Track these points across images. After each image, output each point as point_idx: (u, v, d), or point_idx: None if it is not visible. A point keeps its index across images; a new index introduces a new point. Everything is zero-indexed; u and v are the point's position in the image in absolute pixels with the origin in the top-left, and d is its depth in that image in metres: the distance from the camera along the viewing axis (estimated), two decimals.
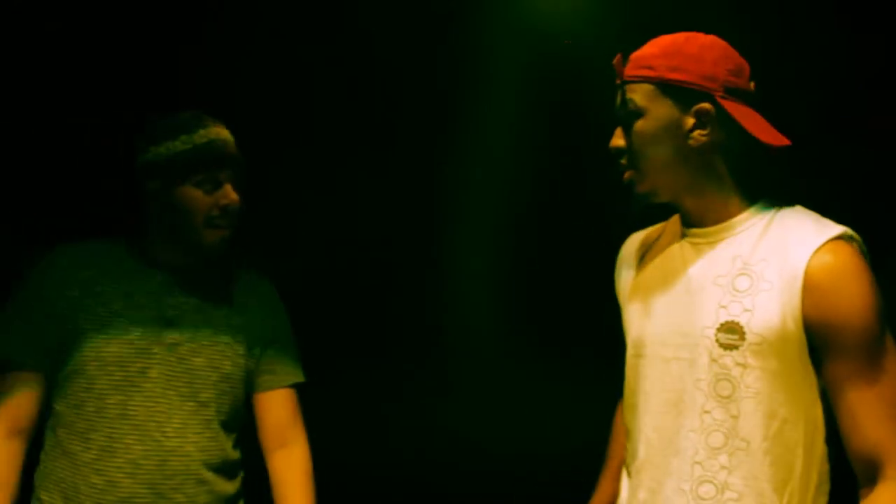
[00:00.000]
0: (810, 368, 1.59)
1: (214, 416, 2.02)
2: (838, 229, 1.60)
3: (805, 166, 2.17)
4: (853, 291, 1.54)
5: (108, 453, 1.92)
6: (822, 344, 1.57)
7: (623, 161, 1.71)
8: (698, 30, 1.72)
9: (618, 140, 1.71)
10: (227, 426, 2.05)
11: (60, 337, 1.95)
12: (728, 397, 1.61)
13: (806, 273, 1.56)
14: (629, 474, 1.77)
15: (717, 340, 1.62)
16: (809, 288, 1.56)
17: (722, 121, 1.64)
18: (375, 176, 2.75)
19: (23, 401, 1.94)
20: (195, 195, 1.97)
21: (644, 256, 1.86)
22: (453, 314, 2.65)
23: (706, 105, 1.63)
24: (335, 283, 2.70)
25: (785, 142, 1.63)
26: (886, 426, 1.53)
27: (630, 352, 1.81)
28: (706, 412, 1.63)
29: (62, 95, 2.56)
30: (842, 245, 1.58)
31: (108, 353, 1.94)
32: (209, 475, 2.00)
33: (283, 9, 2.59)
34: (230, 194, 2.00)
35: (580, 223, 2.39)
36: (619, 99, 1.70)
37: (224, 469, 2.04)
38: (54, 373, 1.96)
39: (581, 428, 2.12)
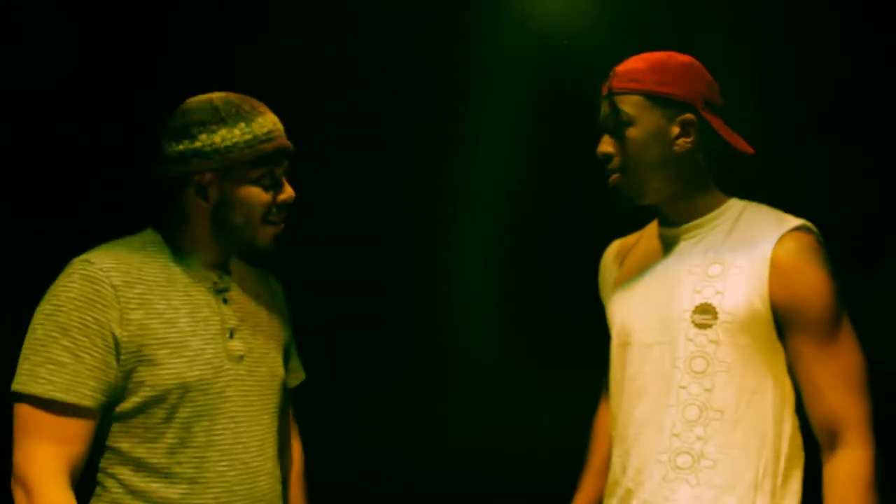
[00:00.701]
0: (778, 345, 1.78)
1: (276, 424, 1.91)
2: (798, 221, 1.80)
3: (807, 165, 2.18)
4: (814, 274, 1.74)
5: (201, 485, 1.73)
6: (786, 321, 1.76)
7: (611, 166, 1.88)
8: (699, 29, 1.77)
9: (606, 147, 1.88)
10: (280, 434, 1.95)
11: (126, 369, 1.69)
12: (702, 372, 1.78)
13: (772, 258, 1.75)
14: (619, 454, 1.91)
15: (692, 322, 1.80)
16: (775, 271, 1.75)
17: (702, 130, 1.84)
18: (376, 175, 2.75)
19: (82, 446, 1.67)
20: (254, 192, 1.78)
21: (625, 258, 2.04)
22: (453, 314, 2.64)
23: (690, 115, 1.83)
24: (335, 282, 2.69)
25: (750, 150, 1.85)
26: (843, 396, 1.72)
27: (615, 342, 1.97)
28: (682, 388, 1.80)
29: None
30: (802, 234, 1.78)
31: (191, 378, 1.72)
32: (280, 488, 1.91)
33: (283, 4, 2.59)
34: (288, 189, 1.83)
35: (582, 223, 2.39)
36: (606, 109, 1.88)
37: (281, 478, 1.94)
38: (113, 409, 1.71)
39: (581, 428, 2.12)
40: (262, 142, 1.76)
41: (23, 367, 1.66)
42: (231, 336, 1.80)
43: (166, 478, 1.71)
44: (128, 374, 1.68)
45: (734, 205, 1.89)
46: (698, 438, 1.76)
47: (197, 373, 1.73)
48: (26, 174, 2.51)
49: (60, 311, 1.67)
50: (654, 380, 1.83)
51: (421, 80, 2.65)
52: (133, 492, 1.70)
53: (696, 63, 1.88)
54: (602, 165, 1.89)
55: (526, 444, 1.98)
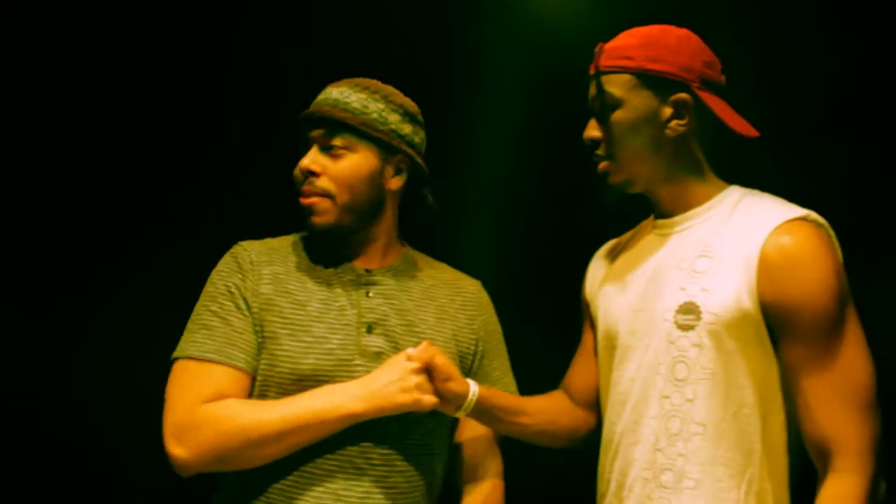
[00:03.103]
0: (770, 352, 1.56)
1: (421, 440, 1.71)
2: (800, 211, 1.58)
3: (810, 166, 2.17)
4: (808, 273, 1.51)
5: (306, 478, 1.62)
6: (777, 325, 1.54)
7: (599, 152, 1.71)
8: (700, 28, 1.72)
9: (593, 131, 1.71)
10: (437, 455, 1.76)
11: (258, 338, 1.68)
12: (683, 380, 1.58)
13: (762, 252, 1.54)
14: (603, 465, 1.75)
15: (675, 322, 1.60)
16: (765, 267, 1.53)
17: (698, 111, 1.65)
18: None
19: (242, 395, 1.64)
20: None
21: (617, 256, 1.86)
22: None
23: (684, 95, 1.64)
24: None
25: (755, 133, 1.65)
26: (839, 415, 1.48)
27: (601, 343, 1.80)
28: (665, 397, 1.61)
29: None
30: (802, 225, 1.55)
31: (304, 365, 1.65)
32: None
33: (284, 8, 2.59)
34: (304, 159, 1.76)
35: (582, 224, 2.38)
36: (594, 89, 1.70)
37: (426, 501, 1.73)
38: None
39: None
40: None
41: (184, 335, 1.70)
42: (369, 331, 1.70)
43: (272, 469, 1.62)
44: (259, 347, 1.67)
45: (732, 193, 1.68)
46: (680, 455, 1.57)
47: (312, 361, 1.65)
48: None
49: (211, 283, 1.74)
50: (637, 386, 1.65)
51: (421, 81, 2.65)
52: (245, 480, 1.64)
53: (694, 37, 1.69)
54: (589, 152, 1.72)
55: (525, 444, 1.97)
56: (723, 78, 1.71)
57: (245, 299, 1.69)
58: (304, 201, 1.73)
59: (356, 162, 1.72)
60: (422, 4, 2.54)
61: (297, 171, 1.74)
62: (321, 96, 1.78)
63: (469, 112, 2.60)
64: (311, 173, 1.72)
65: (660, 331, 1.63)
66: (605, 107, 1.68)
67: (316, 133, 1.74)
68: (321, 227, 1.72)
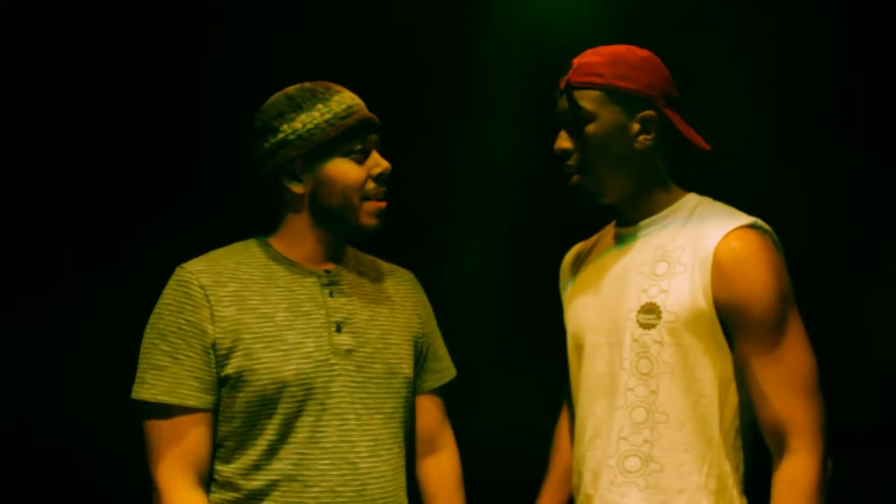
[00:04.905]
0: (725, 347, 1.70)
1: (400, 427, 1.81)
2: (748, 219, 1.72)
3: (808, 167, 2.17)
4: (755, 275, 1.66)
5: (300, 483, 1.68)
6: (730, 322, 1.69)
7: (570, 163, 1.81)
8: (700, 28, 1.73)
9: (564, 142, 1.80)
10: (407, 438, 1.86)
11: (222, 367, 1.68)
12: (647, 374, 1.72)
13: (714, 256, 1.68)
14: (576, 458, 1.87)
15: (637, 321, 1.74)
16: (717, 269, 1.67)
17: (661, 126, 1.77)
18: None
19: (198, 444, 1.68)
20: (347, 168, 1.74)
21: (583, 260, 1.99)
22: (453, 313, 2.63)
23: (650, 112, 1.77)
24: None
25: (707, 146, 1.77)
26: (789, 401, 1.64)
27: (570, 344, 1.93)
28: (629, 389, 1.74)
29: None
30: (749, 232, 1.70)
31: (287, 373, 1.68)
32: (403, 495, 1.81)
33: (282, 7, 2.58)
34: (382, 162, 1.77)
35: (581, 224, 2.38)
36: (564, 103, 1.79)
37: (405, 486, 1.84)
38: (219, 406, 1.71)
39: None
40: (343, 117, 1.73)
41: (137, 375, 1.70)
42: (338, 330, 1.74)
43: (266, 474, 1.67)
44: (228, 371, 1.67)
45: (689, 200, 1.82)
46: (646, 441, 1.71)
47: (294, 367, 1.68)
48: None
49: (159, 318, 1.70)
50: (605, 382, 1.79)
51: (420, 81, 2.65)
52: (234, 488, 1.69)
53: (655, 57, 1.81)
54: (559, 162, 1.82)
55: (525, 445, 1.97)
56: (678, 94, 1.82)
57: (199, 333, 1.68)
58: (379, 207, 1.77)
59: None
60: (423, 4, 2.54)
61: (384, 171, 1.77)
62: (352, 100, 1.78)
63: (470, 112, 2.60)
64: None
65: (624, 329, 1.76)
66: (577, 120, 1.77)
67: (372, 139, 1.79)
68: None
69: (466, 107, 2.62)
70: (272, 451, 1.68)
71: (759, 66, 2.21)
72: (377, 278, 1.89)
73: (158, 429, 1.66)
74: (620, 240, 1.87)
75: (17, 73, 2.50)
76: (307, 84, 1.79)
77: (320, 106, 1.73)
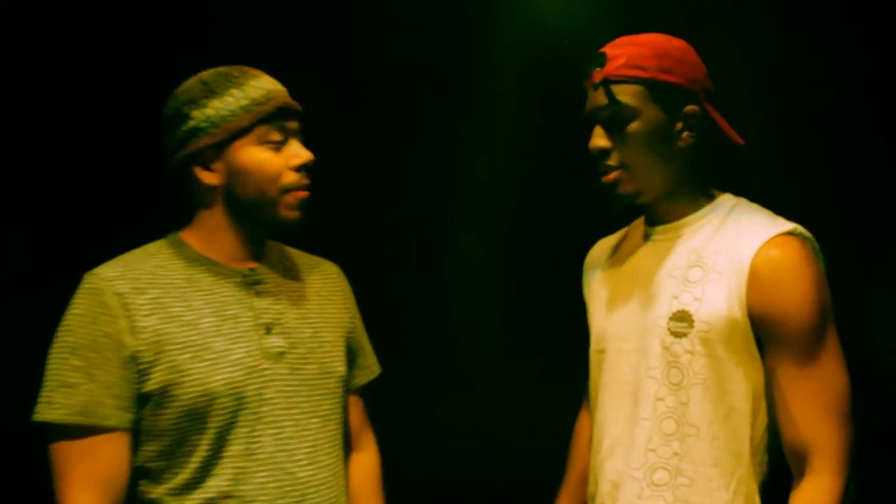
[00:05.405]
0: (758, 359, 1.63)
1: (338, 429, 1.73)
2: (788, 226, 1.64)
3: (807, 165, 2.17)
4: (793, 286, 1.58)
5: (237, 499, 1.57)
6: (763, 334, 1.61)
7: (609, 162, 1.69)
8: (700, 27, 1.72)
9: (601, 140, 1.68)
10: (345, 439, 1.78)
11: (144, 382, 1.55)
12: (678, 384, 1.65)
13: (752, 265, 1.60)
14: (594, 466, 1.80)
15: (668, 329, 1.66)
16: (754, 279, 1.59)
17: (703, 122, 1.68)
18: (379, 173, 2.75)
19: (114, 467, 1.54)
20: (263, 157, 1.61)
21: (609, 258, 1.89)
22: (453, 313, 2.64)
23: (694, 107, 1.67)
24: None
25: (741, 141, 1.68)
26: (817, 420, 1.57)
27: (592, 347, 1.84)
28: (659, 399, 1.67)
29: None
30: (789, 240, 1.61)
31: (215, 383, 1.56)
32: (344, 500, 1.74)
33: (290, 6, 2.59)
34: (302, 151, 1.64)
35: (581, 224, 2.39)
36: (599, 98, 1.67)
37: (345, 490, 1.76)
38: (143, 424, 1.58)
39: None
40: (260, 103, 1.61)
41: (40, 395, 1.55)
42: (268, 332, 1.64)
43: (201, 493, 1.57)
44: (152, 386, 1.55)
45: (724, 202, 1.73)
46: (675, 454, 1.65)
47: (222, 376, 1.57)
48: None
49: (69, 330, 1.56)
50: (630, 389, 1.71)
51: (419, 82, 2.65)
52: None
53: (692, 48, 1.71)
54: (594, 161, 1.70)
55: (525, 446, 1.97)
56: (713, 87, 1.73)
57: (117, 346, 1.54)
58: (299, 197, 1.66)
59: None
60: (424, 4, 2.54)
61: (304, 161, 1.65)
62: (271, 85, 1.67)
63: (470, 112, 2.60)
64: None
65: (653, 336, 1.68)
66: (617, 117, 1.66)
67: (292, 128, 1.68)
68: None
69: (466, 107, 2.63)
70: (206, 468, 1.57)
71: (759, 67, 2.21)
72: (303, 273, 1.78)
73: (69, 453, 1.52)
74: (651, 240, 1.78)
75: (17, 74, 2.51)
76: (223, 68, 1.66)
77: (235, 91, 1.61)
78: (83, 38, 2.50)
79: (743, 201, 1.74)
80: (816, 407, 1.58)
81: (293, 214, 1.65)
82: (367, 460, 1.89)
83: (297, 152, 1.64)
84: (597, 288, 1.88)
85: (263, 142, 1.61)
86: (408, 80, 2.64)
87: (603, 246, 1.96)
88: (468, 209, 2.67)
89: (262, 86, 1.64)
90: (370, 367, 1.90)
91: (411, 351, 2.74)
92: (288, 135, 1.64)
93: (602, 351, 1.79)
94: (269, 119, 1.61)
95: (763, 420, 1.65)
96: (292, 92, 1.73)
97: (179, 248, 1.67)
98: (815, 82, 2.30)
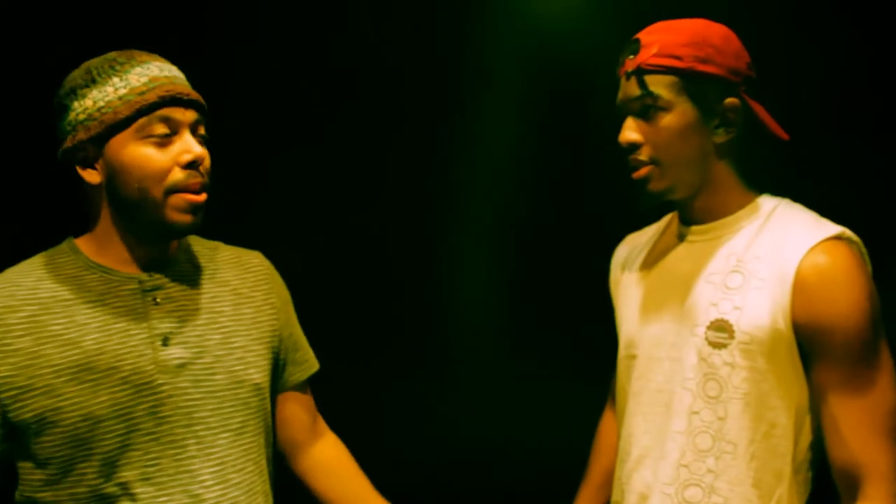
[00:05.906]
0: (801, 373, 1.53)
1: (253, 442, 1.58)
2: (836, 229, 1.53)
3: (813, 165, 2.16)
4: (843, 295, 1.47)
5: None
6: (809, 347, 1.50)
7: (639, 156, 1.59)
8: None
9: (632, 134, 1.57)
10: (265, 450, 1.63)
11: (14, 410, 1.41)
12: (716, 398, 1.55)
13: (797, 272, 1.49)
14: (620, 476, 1.72)
15: (706, 339, 1.56)
16: (799, 288, 1.48)
17: (744, 116, 1.57)
18: (376, 173, 2.74)
19: None
20: (143, 153, 1.43)
21: (639, 257, 1.79)
22: (453, 313, 2.64)
23: (734, 100, 1.55)
24: (333, 280, 2.68)
25: (786, 136, 1.58)
26: (868, 441, 1.47)
27: (622, 352, 1.75)
28: (695, 413, 1.57)
29: None
30: (838, 245, 1.51)
31: (97, 406, 1.42)
32: None
33: (283, 5, 2.59)
34: (193, 147, 1.46)
35: (581, 224, 2.38)
36: (633, 89, 1.56)
37: (269, 501, 1.64)
38: (20, 458, 1.45)
39: (582, 429, 2.10)
40: (141, 93, 1.43)
41: None
42: (165, 343, 1.48)
43: None
44: (25, 415, 1.41)
45: (764, 203, 1.61)
46: (709, 471, 1.54)
47: (106, 398, 1.42)
48: None
49: None
50: (662, 399, 1.61)
51: (419, 82, 2.65)
52: None
53: (734, 34, 1.58)
54: (623, 154, 1.59)
55: (524, 445, 1.96)
56: (755, 76, 1.62)
57: None
58: (190, 200, 1.49)
59: None
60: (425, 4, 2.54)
61: (194, 158, 1.48)
62: (158, 71, 1.50)
63: (470, 112, 2.60)
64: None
65: (690, 345, 1.58)
66: (649, 109, 1.55)
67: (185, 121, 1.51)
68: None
69: (467, 106, 2.63)
70: (98, 498, 1.43)
71: (761, 67, 2.20)
72: (217, 270, 1.61)
73: None
74: (686, 240, 1.66)
75: (16, 73, 2.50)
76: (112, 53, 1.49)
77: (115, 80, 1.44)
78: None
79: (785, 201, 1.63)
80: (868, 427, 1.46)
81: (183, 218, 1.47)
82: (330, 445, 1.76)
83: (187, 148, 1.45)
84: (627, 289, 1.78)
85: (144, 136, 1.44)
86: (408, 80, 2.64)
87: (633, 243, 1.85)
88: (468, 209, 2.67)
89: (146, 73, 1.46)
90: (308, 363, 1.75)
91: (412, 351, 2.73)
92: (178, 128, 1.46)
93: (633, 357, 1.70)
94: (150, 110, 1.44)
95: (808, 437, 1.55)
96: (292, 91, 1.71)
97: (72, 255, 1.52)
98: (817, 82, 2.29)
